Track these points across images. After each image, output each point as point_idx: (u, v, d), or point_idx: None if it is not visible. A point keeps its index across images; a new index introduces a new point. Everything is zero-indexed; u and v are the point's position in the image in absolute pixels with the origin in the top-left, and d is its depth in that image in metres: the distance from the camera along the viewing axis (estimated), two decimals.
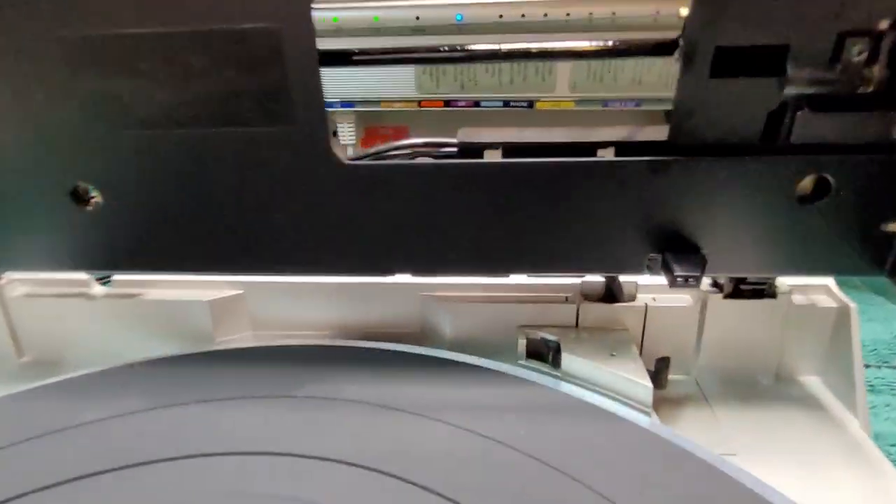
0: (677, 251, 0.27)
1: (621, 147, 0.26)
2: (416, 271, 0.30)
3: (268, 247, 0.29)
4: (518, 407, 0.28)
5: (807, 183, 0.26)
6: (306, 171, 0.27)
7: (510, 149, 0.27)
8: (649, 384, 0.28)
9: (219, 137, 0.27)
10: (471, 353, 0.32)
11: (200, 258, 0.29)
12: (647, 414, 0.28)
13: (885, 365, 0.46)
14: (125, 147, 0.27)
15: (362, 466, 0.25)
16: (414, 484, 0.24)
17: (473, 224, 0.28)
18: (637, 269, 0.28)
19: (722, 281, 0.33)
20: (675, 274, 0.26)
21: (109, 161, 0.28)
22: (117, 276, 0.37)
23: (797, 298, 0.33)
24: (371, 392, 0.29)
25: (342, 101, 0.75)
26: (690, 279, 0.26)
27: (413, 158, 0.28)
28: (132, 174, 0.28)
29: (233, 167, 0.27)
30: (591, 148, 0.26)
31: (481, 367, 0.31)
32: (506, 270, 0.29)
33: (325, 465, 0.25)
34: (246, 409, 0.29)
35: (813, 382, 0.34)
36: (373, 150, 0.28)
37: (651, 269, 0.30)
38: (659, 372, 0.31)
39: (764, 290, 0.32)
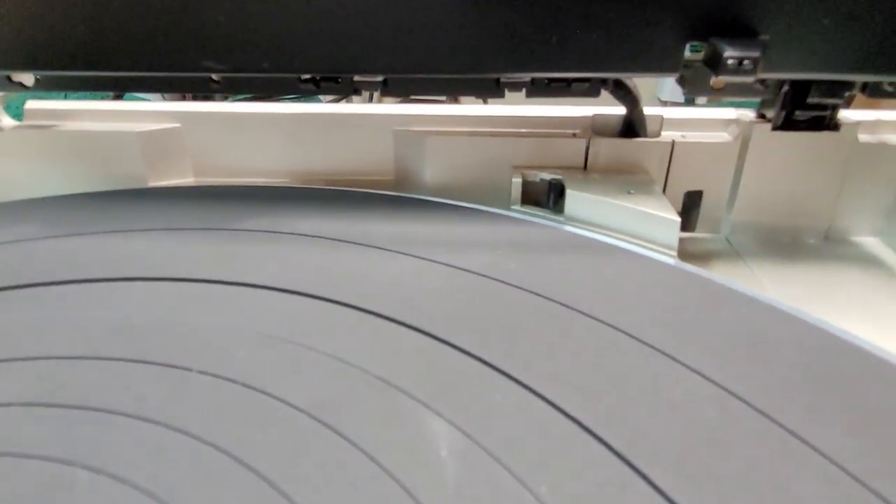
0: (725, 36, 0.20)
1: None
2: (386, 72, 0.23)
3: (174, 35, 0.22)
4: (508, 243, 0.22)
5: None
6: None
7: None
8: (676, 217, 0.22)
9: None
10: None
11: (72, 50, 0.23)
12: (672, 257, 0.22)
13: None
14: None
15: (309, 295, 0.19)
16: (373, 313, 0.18)
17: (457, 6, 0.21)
18: (673, 68, 0.22)
19: (770, 115, 0.26)
20: (726, 55, 0.19)
21: None
22: (31, 106, 0.31)
23: (864, 137, 0.26)
24: (326, 227, 0.23)
25: None
26: (746, 62, 0.19)
27: None
28: None
29: None
30: None
31: (463, 207, 0.25)
32: (500, 69, 0.23)
33: (255, 294, 0.19)
34: (166, 239, 0.23)
35: (871, 243, 0.28)
36: None
37: (687, 82, 0.24)
38: (689, 210, 0.25)
39: (824, 121, 0.25)
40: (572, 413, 0.14)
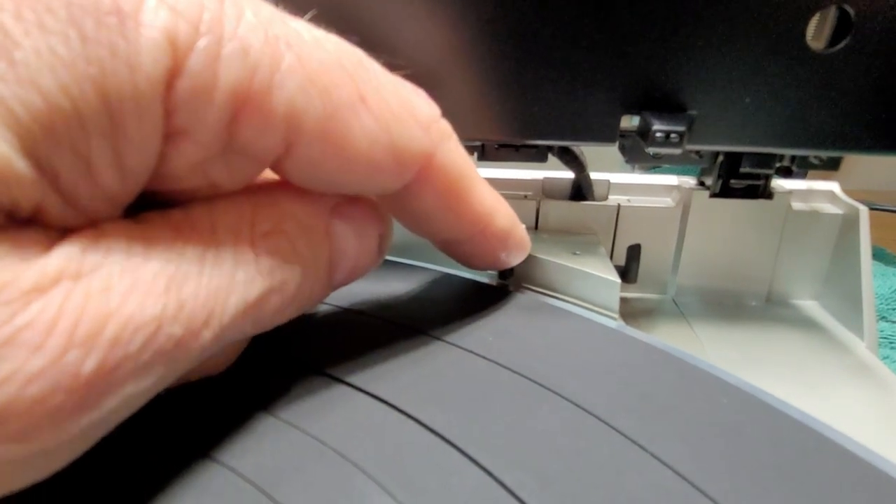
0: (657, 110, 0.22)
1: None
2: None
3: None
4: (433, 297, 0.22)
5: (822, 21, 0.20)
6: None
7: None
8: (616, 278, 0.23)
9: None
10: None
11: None
12: (613, 318, 0.23)
13: (883, 319, 0.41)
14: None
15: None
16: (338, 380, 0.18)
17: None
18: (610, 138, 0.23)
19: (709, 183, 0.28)
20: (654, 128, 0.20)
21: None
22: None
23: (797, 205, 0.28)
24: None
25: None
26: (672, 135, 0.20)
27: None
28: None
29: None
30: None
31: (408, 265, 0.26)
32: None
33: None
34: None
35: (810, 307, 0.29)
36: None
37: (626, 150, 0.25)
38: (629, 263, 0.26)
39: (758, 189, 0.27)
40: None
